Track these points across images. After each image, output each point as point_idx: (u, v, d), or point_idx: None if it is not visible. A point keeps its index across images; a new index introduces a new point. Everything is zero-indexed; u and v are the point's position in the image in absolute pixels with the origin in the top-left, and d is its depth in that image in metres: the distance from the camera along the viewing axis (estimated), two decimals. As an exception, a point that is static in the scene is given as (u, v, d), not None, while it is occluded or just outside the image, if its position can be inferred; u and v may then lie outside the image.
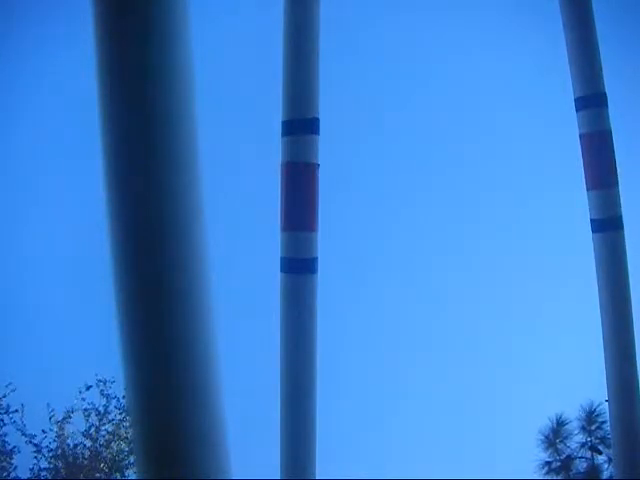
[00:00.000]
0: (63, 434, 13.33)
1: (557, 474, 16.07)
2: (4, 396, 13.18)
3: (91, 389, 13.73)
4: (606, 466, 15.91)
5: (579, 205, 4.14)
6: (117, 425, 13.49)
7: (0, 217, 14.66)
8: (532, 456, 15.81)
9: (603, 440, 15.93)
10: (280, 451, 3.63)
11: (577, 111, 4.04)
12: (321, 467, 3.64)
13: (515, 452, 14.35)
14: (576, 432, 16.13)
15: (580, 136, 4.05)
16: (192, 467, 1.37)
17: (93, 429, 13.48)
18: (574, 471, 16.10)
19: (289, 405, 3.62)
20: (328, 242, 4.04)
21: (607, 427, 15.56)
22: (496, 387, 15.64)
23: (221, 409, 1.41)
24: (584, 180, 4.06)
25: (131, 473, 13.34)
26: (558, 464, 15.99)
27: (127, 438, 13.35)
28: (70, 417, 13.47)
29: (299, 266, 3.62)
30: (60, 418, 13.41)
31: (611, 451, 14.96)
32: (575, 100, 4.04)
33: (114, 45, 1.35)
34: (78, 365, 13.51)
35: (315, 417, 3.65)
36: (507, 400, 15.32)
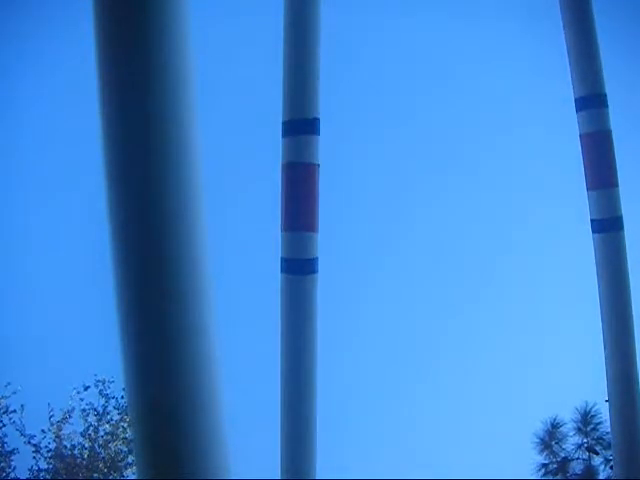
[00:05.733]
0: (61, 434, 13.32)
1: (554, 476, 16.08)
2: (3, 397, 13.18)
3: (90, 389, 13.73)
4: (603, 467, 15.92)
5: (579, 205, 4.14)
6: (115, 425, 13.48)
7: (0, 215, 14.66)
8: (528, 458, 15.83)
9: (599, 441, 15.94)
10: (280, 451, 3.62)
11: (577, 111, 4.05)
12: (321, 467, 3.64)
13: (511, 454, 14.35)
14: (572, 434, 16.14)
15: (580, 136, 4.06)
16: (192, 467, 1.37)
17: (92, 429, 13.48)
18: (571, 472, 16.11)
19: (289, 405, 3.62)
20: (328, 242, 4.04)
21: (603, 428, 15.58)
22: (494, 388, 15.63)
23: (221, 409, 1.41)
24: (584, 180, 4.06)
25: (129, 473, 13.33)
26: (554, 466, 16.00)
27: (125, 438, 13.35)
28: (69, 417, 13.47)
29: (299, 266, 3.62)
30: (58, 418, 13.40)
31: (608, 452, 14.97)
32: (575, 100, 4.04)
33: (114, 45, 1.35)
34: (78, 365, 13.50)
35: (315, 417, 3.65)
36: (504, 401, 15.32)
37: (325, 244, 3.74)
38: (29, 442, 13.21)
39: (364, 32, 16.60)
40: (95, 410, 13.62)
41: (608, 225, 3.95)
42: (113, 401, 13.66)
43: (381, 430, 15.47)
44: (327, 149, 3.72)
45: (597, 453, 16.01)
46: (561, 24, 4.02)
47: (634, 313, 3.93)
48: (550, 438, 16.09)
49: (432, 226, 17.58)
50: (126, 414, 13.23)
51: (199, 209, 1.39)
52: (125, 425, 13.36)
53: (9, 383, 13.18)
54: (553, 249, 16.34)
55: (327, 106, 3.72)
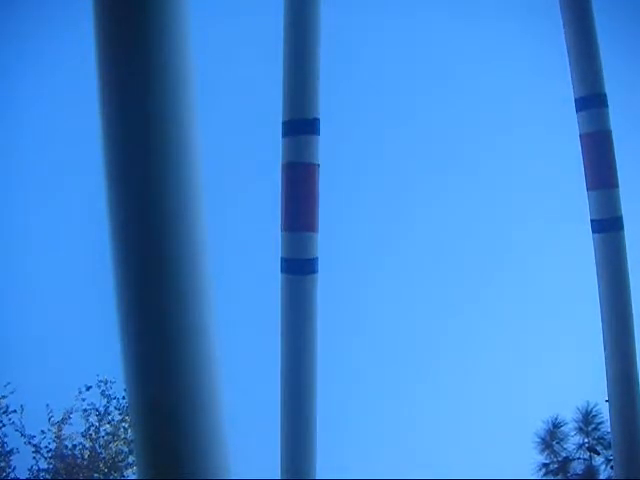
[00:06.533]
0: (61, 435, 13.32)
1: (555, 475, 16.08)
2: (3, 397, 13.18)
3: (91, 389, 13.73)
4: (603, 467, 15.92)
5: (579, 205, 4.14)
6: (116, 426, 13.49)
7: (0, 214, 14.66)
8: (529, 458, 15.83)
9: (600, 441, 15.94)
10: (280, 451, 3.63)
11: (577, 111, 4.05)
12: (321, 467, 3.64)
13: (512, 454, 14.36)
14: (573, 434, 16.14)
15: (580, 136, 4.06)
16: (192, 467, 1.37)
17: (93, 429, 13.48)
18: (572, 472, 16.11)
19: (289, 405, 3.62)
20: (328, 242, 4.04)
21: (604, 428, 15.58)
22: (495, 388, 15.64)
23: (221, 409, 1.41)
24: (584, 180, 4.06)
25: (130, 473, 13.33)
26: (555, 466, 16.00)
27: (126, 439, 13.35)
28: (69, 417, 13.47)
29: (299, 266, 3.62)
30: (59, 419, 13.40)
31: (609, 452, 14.98)
32: (575, 100, 4.04)
33: (114, 45, 1.35)
34: (79, 365, 13.51)
35: (315, 417, 3.65)
36: (505, 401, 15.32)
37: (325, 244, 3.74)
38: (29, 442, 13.21)
39: (364, 32, 16.59)
40: (96, 410, 13.62)
41: (608, 225, 3.95)
42: (114, 401, 13.67)
43: (381, 430, 15.47)
44: (327, 149, 3.72)
45: (598, 453, 16.00)
46: (561, 24, 4.02)
47: (634, 313, 3.93)
48: (551, 438, 16.09)
49: (432, 226, 17.58)
50: (127, 415, 13.23)
51: (199, 209, 1.39)
52: (126, 425, 13.36)
53: (9, 383, 13.18)
54: (553, 249, 16.34)
55: (327, 106, 3.72)
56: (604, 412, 15.34)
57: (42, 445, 13.31)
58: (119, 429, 13.47)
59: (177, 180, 1.37)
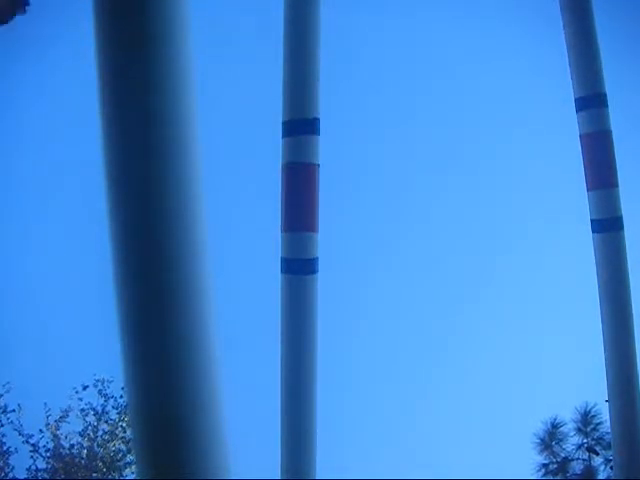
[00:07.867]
0: (58, 434, 13.31)
1: (554, 476, 16.07)
2: (1, 396, 13.18)
3: (88, 389, 13.72)
4: (603, 467, 15.92)
5: (579, 205, 4.14)
6: (114, 425, 13.48)
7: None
8: (529, 458, 15.83)
9: (599, 441, 15.93)
10: (280, 451, 3.63)
11: (577, 111, 4.05)
12: (321, 467, 3.64)
13: (511, 454, 14.36)
14: (572, 434, 16.13)
15: (580, 136, 4.06)
16: (192, 467, 1.37)
17: (91, 429, 13.47)
18: (571, 473, 16.10)
19: (289, 405, 3.62)
20: (328, 242, 4.04)
21: (603, 428, 15.58)
22: (494, 388, 15.64)
23: (221, 409, 1.41)
24: (584, 180, 4.06)
25: (129, 473, 13.32)
26: (555, 466, 15.99)
27: (124, 437, 13.35)
28: (67, 416, 13.46)
29: (300, 266, 3.62)
30: (56, 418, 13.39)
31: (608, 452, 14.98)
32: (575, 100, 4.04)
33: (114, 45, 1.35)
34: (77, 365, 13.51)
35: (315, 417, 3.65)
36: (505, 401, 15.32)
37: (325, 244, 3.73)
38: (27, 442, 13.20)
39: (364, 32, 16.59)
40: (94, 410, 13.61)
41: (608, 225, 3.96)
42: (112, 400, 13.66)
43: (381, 430, 15.47)
44: (327, 149, 3.72)
45: (597, 453, 15.99)
46: (561, 24, 4.02)
47: (634, 313, 3.93)
48: (550, 438, 16.08)
49: (432, 226, 17.58)
50: (125, 413, 13.23)
51: (199, 209, 1.39)
52: (124, 424, 13.36)
53: (8, 382, 13.18)
54: (553, 249, 16.34)
55: (327, 106, 3.72)
56: (603, 412, 15.34)
57: (40, 444, 13.30)
58: (117, 428, 13.46)
59: (177, 180, 1.37)
